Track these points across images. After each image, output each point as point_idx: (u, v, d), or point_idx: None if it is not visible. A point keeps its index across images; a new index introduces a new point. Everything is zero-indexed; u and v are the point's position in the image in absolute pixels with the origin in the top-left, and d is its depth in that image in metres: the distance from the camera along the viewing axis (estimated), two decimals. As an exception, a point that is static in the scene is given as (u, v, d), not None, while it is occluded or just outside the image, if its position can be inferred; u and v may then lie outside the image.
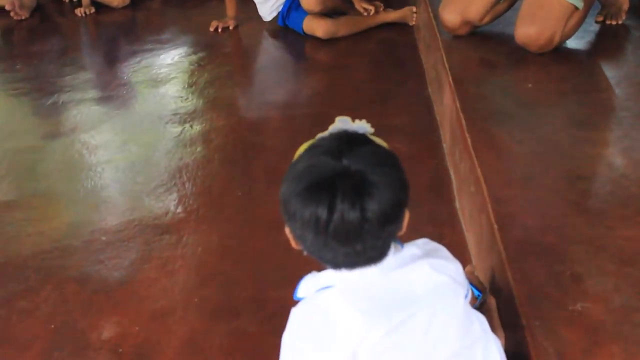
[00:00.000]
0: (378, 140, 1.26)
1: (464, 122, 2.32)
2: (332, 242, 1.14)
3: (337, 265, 1.21)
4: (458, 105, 2.43)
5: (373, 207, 1.13)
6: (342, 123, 1.30)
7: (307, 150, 1.22)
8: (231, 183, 2.62)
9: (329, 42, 3.79)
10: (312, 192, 1.13)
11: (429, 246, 1.32)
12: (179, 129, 3.06)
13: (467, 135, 2.24)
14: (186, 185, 2.62)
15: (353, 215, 1.12)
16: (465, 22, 2.93)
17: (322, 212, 1.12)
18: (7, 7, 4.68)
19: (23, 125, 3.34)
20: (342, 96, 3.23)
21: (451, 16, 2.92)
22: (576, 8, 2.72)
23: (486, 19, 2.94)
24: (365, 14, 3.85)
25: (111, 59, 4.06)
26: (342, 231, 1.13)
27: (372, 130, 1.30)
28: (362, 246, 1.16)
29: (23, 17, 4.68)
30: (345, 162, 1.15)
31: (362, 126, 1.29)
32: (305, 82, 3.59)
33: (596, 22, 3.03)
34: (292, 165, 1.21)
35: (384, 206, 1.14)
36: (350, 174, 1.14)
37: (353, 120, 1.31)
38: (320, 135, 1.28)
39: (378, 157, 1.19)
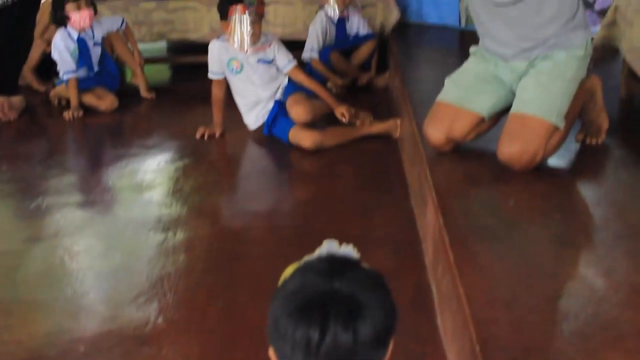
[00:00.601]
0: (365, 265, 1.27)
1: (446, 238, 2.33)
2: None
3: None
4: (441, 220, 2.45)
5: (365, 330, 1.13)
6: (329, 246, 1.32)
7: (298, 271, 1.23)
8: (214, 293, 2.61)
9: (312, 152, 3.84)
10: (305, 312, 1.13)
11: None
12: (162, 236, 3.05)
13: (449, 251, 2.26)
14: (167, 295, 2.60)
15: (345, 337, 1.12)
16: (450, 140, 2.99)
17: (314, 334, 1.12)
18: (2, 108, 4.74)
19: (5, 228, 3.33)
20: (327, 207, 3.26)
21: (435, 134, 2.98)
22: (558, 128, 2.79)
23: (470, 137, 3.00)
24: (343, 120, 3.90)
25: (97, 163, 4.09)
26: (333, 353, 1.12)
27: (358, 255, 1.31)
28: None
29: (11, 119, 4.72)
30: (337, 284, 1.16)
31: (348, 251, 1.31)
32: (290, 191, 3.63)
33: (577, 140, 3.10)
34: (282, 285, 1.21)
35: (377, 329, 1.15)
36: (343, 296, 1.15)
37: (340, 244, 1.32)
38: (307, 257, 1.29)
39: (370, 280, 1.21)
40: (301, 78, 4.01)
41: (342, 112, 3.91)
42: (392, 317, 1.19)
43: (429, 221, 2.72)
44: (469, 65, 3.07)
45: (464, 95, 2.98)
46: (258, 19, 3.87)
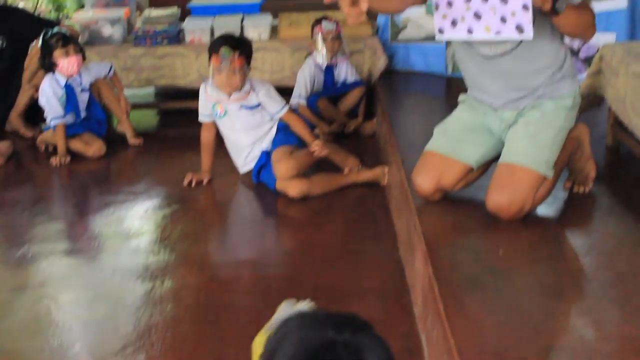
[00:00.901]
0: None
1: (436, 288, 2.33)
2: None
3: None
4: (430, 270, 2.44)
5: None
6: (287, 306, 1.32)
7: (282, 335, 1.21)
8: (202, 345, 2.59)
9: (300, 200, 3.83)
10: None
11: None
12: (150, 285, 3.04)
13: (439, 302, 2.25)
14: (155, 346, 2.58)
15: None
16: (438, 189, 2.99)
17: None
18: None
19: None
20: (314, 256, 3.25)
21: (424, 183, 2.98)
22: (546, 177, 2.80)
23: (459, 186, 3.01)
24: (315, 151, 3.90)
25: (84, 210, 4.06)
26: None
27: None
28: None
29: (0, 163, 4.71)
30: (330, 333, 1.17)
31: (307, 306, 1.32)
32: (277, 240, 3.62)
33: (564, 188, 3.11)
34: (271, 353, 1.20)
35: None
36: (344, 342, 1.15)
37: (297, 301, 1.33)
38: (271, 323, 1.29)
39: (361, 325, 1.22)
40: (294, 121, 4.03)
41: (315, 144, 3.93)
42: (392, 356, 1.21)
43: (417, 271, 2.72)
44: (458, 114, 3.09)
45: (452, 145, 2.99)
46: (237, 69, 3.89)
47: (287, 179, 3.85)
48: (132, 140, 4.98)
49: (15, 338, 2.72)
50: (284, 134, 4.04)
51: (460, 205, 3.02)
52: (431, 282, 2.40)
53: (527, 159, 2.78)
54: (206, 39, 5.29)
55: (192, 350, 2.56)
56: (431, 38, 5.10)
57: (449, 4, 2.72)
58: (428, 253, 2.56)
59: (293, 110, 4.21)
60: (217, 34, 4.92)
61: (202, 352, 2.54)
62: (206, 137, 4.16)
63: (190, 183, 4.12)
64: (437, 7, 2.76)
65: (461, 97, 3.13)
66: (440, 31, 2.79)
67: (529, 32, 2.57)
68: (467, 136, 3.00)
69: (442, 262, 2.52)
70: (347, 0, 2.42)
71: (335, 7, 2.52)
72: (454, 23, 2.74)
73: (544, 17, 2.65)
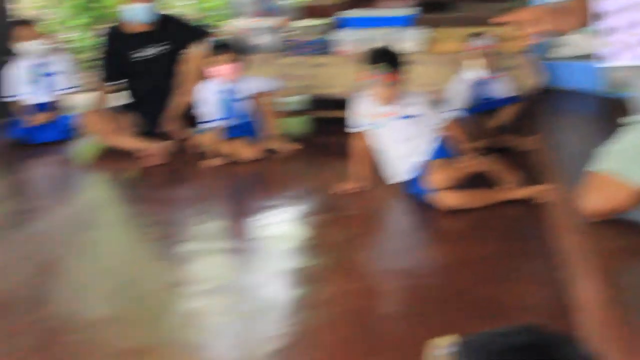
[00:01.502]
0: None
1: (610, 312, 2.22)
2: None
3: None
4: (605, 294, 2.33)
5: None
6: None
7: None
8: (356, 352, 2.55)
9: (453, 212, 3.77)
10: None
11: None
12: (302, 290, 3.06)
13: (614, 327, 2.14)
14: (306, 352, 2.57)
15: None
16: (609, 212, 2.86)
17: None
18: (147, 153, 4.92)
19: (148, 271, 3.39)
20: (469, 269, 3.16)
21: (594, 205, 2.85)
22: None
23: (631, 208, 2.87)
24: (471, 164, 3.86)
25: (239, 212, 4.13)
26: None
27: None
28: None
29: (156, 164, 4.88)
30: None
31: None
32: (429, 251, 3.54)
33: None
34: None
35: None
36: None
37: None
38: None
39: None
40: (451, 133, 3.99)
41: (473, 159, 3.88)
42: None
43: (586, 292, 2.60)
44: (629, 135, 2.95)
45: (626, 166, 2.85)
46: (392, 82, 3.89)
47: (441, 190, 3.80)
48: (284, 146, 5.04)
49: (170, 332, 2.77)
50: (439, 145, 4.00)
51: (633, 226, 2.87)
52: (605, 305, 2.29)
53: None
54: (359, 51, 5.30)
55: (343, 358, 2.54)
56: (588, 56, 4.95)
57: (614, 30, 2.61)
58: (602, 275, 2.45)
59: (449, 123, 4.16)
60: (369, 46, 4.94)
61: (353, 355, 2.51)
62: (358, 146, 4.17)
63: (341, 190, 4.13)
64: (601, 32, 2.65)
65: (628, 119, 2.98)
66: (604, 57, 2.67)
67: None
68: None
69: (617, 286, 2.40)
70: (529, 22, 2.35)
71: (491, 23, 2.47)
72: (619, 49, 2.62)
73: None
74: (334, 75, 5.45)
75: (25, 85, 5.62)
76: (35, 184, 4.90)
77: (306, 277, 3.17)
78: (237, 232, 3.79)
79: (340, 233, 3.66)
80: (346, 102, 4.33)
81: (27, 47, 5.54)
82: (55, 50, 5.75)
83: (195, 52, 5.38)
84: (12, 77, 5.64)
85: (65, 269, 3.36)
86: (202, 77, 5.05)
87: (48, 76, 5.64)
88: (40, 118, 5.59)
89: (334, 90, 5.43)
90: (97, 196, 4.62)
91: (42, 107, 5.63)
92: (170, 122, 5.41)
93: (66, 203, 4.39)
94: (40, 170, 5.17)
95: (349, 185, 4.16)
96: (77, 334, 2.75)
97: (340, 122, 4.40)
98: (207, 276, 3.24)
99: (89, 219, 4.00)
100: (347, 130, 4.16)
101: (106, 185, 4.84)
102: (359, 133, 4.15)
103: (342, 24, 5.72)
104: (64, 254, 3.51)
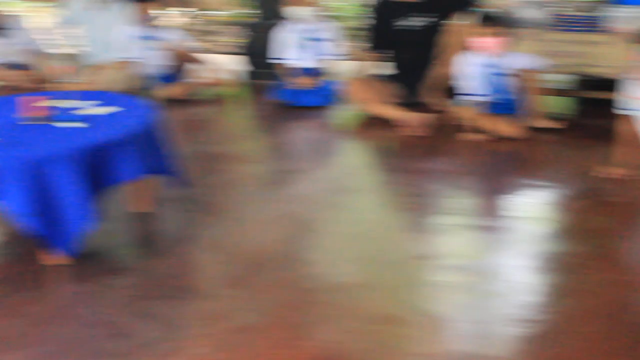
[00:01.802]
0: None
1: None
2: None
3: None
4: None
5: None
6: None
7: None
8: (614, 342, 2.42)
9: None
10: None
11: None
12: (558, 276, 2.94)
13: None
14: (561, 338, 2.47)
15: None
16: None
17: None
18: (407, 123, 4.97)
19: (397, 241, 3.39)
20: None
21: None
22: None
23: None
24: None
25: (495, 189, 4.04)
26: None
27: None
28: None
29: (421, 134, 4.90)
30: None
31: None
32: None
33: None
34: None
35: None
36: None
37: None
38: None
39: None
40: None
41: None
42: None
43: None
44: None
45: None
46: None
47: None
48: (547, 123, 4.87)
49: (417, 303, 2.76)
50: None
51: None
52: None
53: None
54: (634, 29, 4.97)
55: (605, 351, 2.40)
56: None
57: None
58: None
59: None
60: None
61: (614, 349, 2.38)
62: (626, 130, 3.94)
63: (604, 175, 3.92)
64: None
65: None
66: None
67: None
68: None
69: None
70: None
71: None
72: None
73: None
74: (604, 55, 5.16)
75: (293, 49, 5.85)
76: (297, 146, 5.08)
77: (564, 264, 3.03)
78: (491, 210, 3.70)
79: (601, 220, 3.47)
80: (616, 83, 4.07)
81: (298, 12, 5.75)
82: (324, 18, 5.92)
83: (460, 23, 5.30)
84: (281, 40, 5.88)
85: (319, 231, 3.45)
86: (464, 48, 4.97)
87: (316, 42, 5.83)
88: (305, 82, 5.79)
89: (604, 70, 5.14)
90: (355, 162, 4.71)
91: (307, 71, 5.83)
92: (429, 93, 5.40)
93: (325, 167, 4.52)
94: (302, 133, 5.35)
95: (614, 170, 3.93)
96: (328, 294, 2.82)
97: (608, 104, 4.17)
98: (457, 252, 3.19)
99: (345, 184, 4.09)
100: (615, 113, 3.92)
101: (364, 152, 4.91)
102: (627, 117, 3.90)
103: (617, 1, 5.38)
104: (319, 217, 3.61)
